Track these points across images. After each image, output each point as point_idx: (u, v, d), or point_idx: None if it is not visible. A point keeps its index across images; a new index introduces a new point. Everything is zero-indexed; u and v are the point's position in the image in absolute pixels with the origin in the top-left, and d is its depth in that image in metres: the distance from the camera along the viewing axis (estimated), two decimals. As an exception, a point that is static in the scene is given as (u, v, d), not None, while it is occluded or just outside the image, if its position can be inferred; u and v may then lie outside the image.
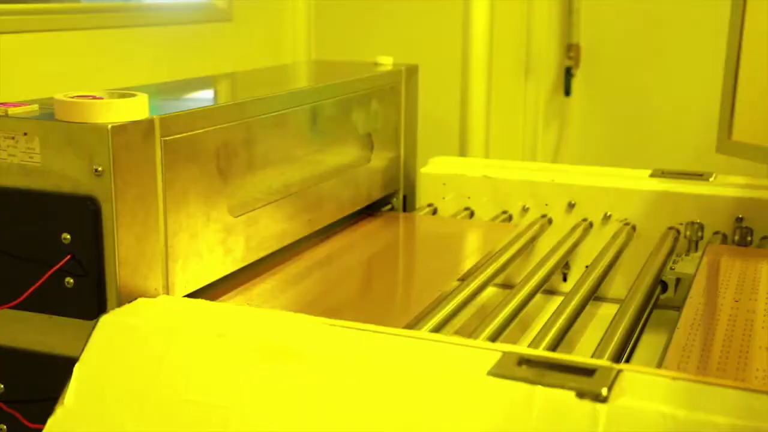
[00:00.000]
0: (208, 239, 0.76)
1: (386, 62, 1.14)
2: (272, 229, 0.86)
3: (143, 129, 0.67)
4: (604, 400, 0.50)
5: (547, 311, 0.94)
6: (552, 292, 1.07)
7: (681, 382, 0.52)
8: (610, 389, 0.50)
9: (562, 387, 0.51)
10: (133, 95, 0.68)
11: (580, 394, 0.50)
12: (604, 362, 0.54)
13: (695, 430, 0.47)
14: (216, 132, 0.76)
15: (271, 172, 0.87)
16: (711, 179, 1.05)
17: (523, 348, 0.57)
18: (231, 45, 1.66)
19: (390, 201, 1.16)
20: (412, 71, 1.14)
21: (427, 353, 0.58)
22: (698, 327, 0.72)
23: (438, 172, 1.15)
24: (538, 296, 0.92)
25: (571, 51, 1.74)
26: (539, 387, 0.51)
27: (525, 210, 1.11)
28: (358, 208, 1.05)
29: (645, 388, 0.51)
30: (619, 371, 0.53)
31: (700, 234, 1.00)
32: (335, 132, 0.99)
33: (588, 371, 0.53)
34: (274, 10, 1.79)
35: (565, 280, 1.09)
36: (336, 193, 0.99)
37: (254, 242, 0.83)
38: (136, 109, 0.67)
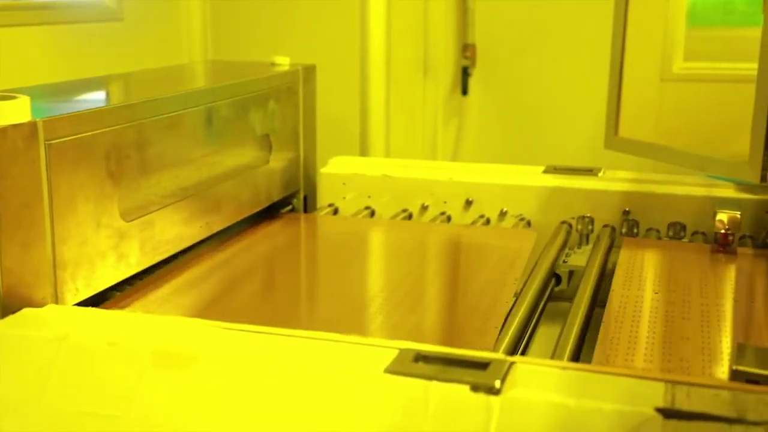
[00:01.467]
0: (99, 245, 0.74)
1: (283, 62, 1.13)
2: (168, 233, 0.85)
3: (25, 133, 0.64)
4: (497, 392, 0.51)
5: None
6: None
7: (571, 372, 0.53)
8: (503, 382, 0.52)
9: (457, 381, 0.52)
10: (14, 97, 0.65)
11: (475, 388, 0.51)
12: (497, 355, 0.55)
13: (583, 418, 0.48)
14: (105, 134, 0.74)
15: (166, 175, 0.85)
16: (600, 174, 1.09)
17: (419, 345, 0.58)
18: (123, 45, 1.61)
19: (290, 202, 1.15)
20: (309, 71, 1.14)
21: (324, 353, 0.58)
22: (622, 320, 0.75)
23: (338, 171, 1.16)
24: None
25: (467, 51, 1.77)
26: (435, 382, 0.52)
27: (424, 208, 1.12)
28: (258, 209, 1.05)
29: (536, 379, 0.53)
30: (512, 364, 0.54)
31: (590, 227, 1.04)
32: (232, 133, 0.97)
33: (482, 365, 0.54)
34: (167, 10, 1.76)
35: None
36: (234, 195, 0.98)
37: (149, 247, 0.81)
38: (17, 112, 0.64)
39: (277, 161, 1.07)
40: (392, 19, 1.53)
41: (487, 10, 1.80)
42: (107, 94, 0.97)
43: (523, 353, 0.76)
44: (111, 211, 0.75)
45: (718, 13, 1.71)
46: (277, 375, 0.55)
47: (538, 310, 0.86)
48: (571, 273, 0.97)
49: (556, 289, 0.97)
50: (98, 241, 0.73)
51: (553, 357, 0.68)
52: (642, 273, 0.87)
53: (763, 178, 0.94)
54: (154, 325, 0.63)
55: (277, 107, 1.06)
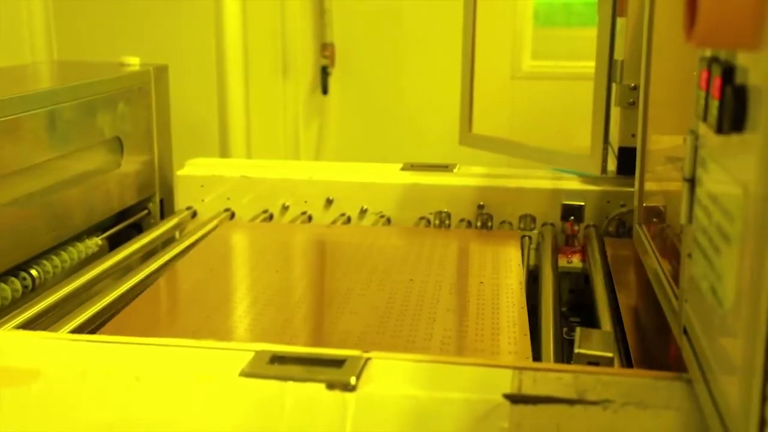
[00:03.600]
0: (-69, 259, 0.69)
1: (133, 62, 1.09)
2: (8, 243, 0.80)
3: None
4: (352, 389, 0.51)
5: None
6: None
7: (423, 365, 0.54)
8: (358, 378, 0.52)
9: (313, 380, 0.52)
10: None
11: (330, 386, 0.51)
12: (353, 352, 0.56)
13: (433, 408, 0.50)
14: (-66, 140, 0.69)
15: (6, 183, 0.80)
16: (455, 171, 1.12)
17: (276, 346, 0.57)
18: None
19: (146, 206, 1.12)
20: (161, 71, 1.11)
21: (178, 360, 0.57)
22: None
23: (195, 173, 1.13)
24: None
25: (325, 50, 1.78)
26: (290, 383, 0.52)
27: (285, 208, 1.12)
28: (110, 214, 1.01)
29: (391, 374, 0.53)
30: (368, 359, 0.55)
31: (447, 222, 1.07)
32: (79, 136, 0.93)
33: (338, 362, 0.54)
34: (4, 8, 1.66)
35: (327, 274, 1.11)
36: (84, 201, 0.94)
37: (-11, 259, 0.77)
38: None
39: (130, 164, 1.04)
40: (248, 18, 1.52)
41: (344, 10, 1.81)
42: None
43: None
44: (-56, 222, 0.70)
45: (562, 14, 1.80)
46: (130, 384, 0.53)
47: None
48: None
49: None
50: (-70, 254, 0.69)
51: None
52: (477, 262, 0.91)
53: (603, 170, 1.00)
54: (-7, 341, 0.60)
55: (127, 109, 1.02)
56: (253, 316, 0.76)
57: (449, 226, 1.07)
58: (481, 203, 1.06)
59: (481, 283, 0.83)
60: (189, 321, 0.77)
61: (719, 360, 0.42)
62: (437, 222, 1.07)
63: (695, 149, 0.49)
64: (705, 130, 0.46)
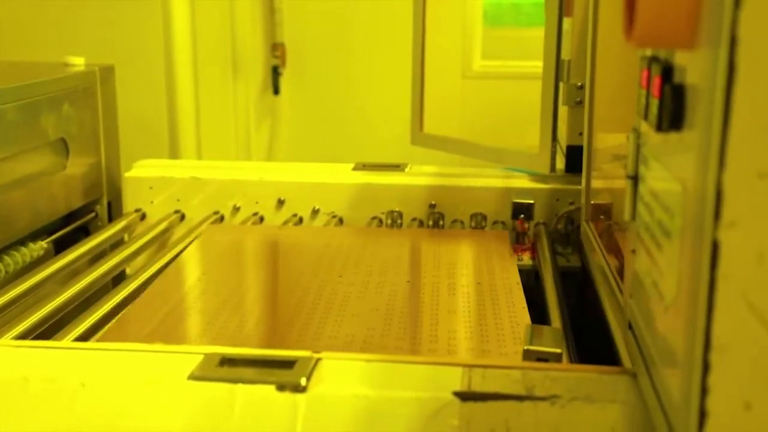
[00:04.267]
0: None
1: (78, 63, 1.07)
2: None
3: None
4: (303, 390, 0.51)
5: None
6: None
7: (374, 364, 0.54)
8: (309, 379, 0.52)
9: (263, 382, 0.52)
10: None
11: (281, 387, 0.51)
12: (304, 353, 0.56)
13: (385, 407, 0.50)
14: None
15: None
16: (407, 170, 1.12)
17: (226, 348, 0.57)
18: None
19: (93, 209, 1.10)
20: (107, 72, 1.09)
21: (125, 364, 0.56)
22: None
23: (144, 175, 1.11)
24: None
25: (276, 50, 1.77)
26: (240, 385, 0.51)
27: (236, 209, 1.11)
28: (56, 217, 0.99)
29: (342, 374, 0.53)
30: (318, 360, 0.55)
31: (399, 221, 1.07)
32: (22, 138, 0.91)
33: (289, 363, 0.54)
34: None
35: (280, 275, 1.11)
36: (28, 204, 0.92)
37: (-72, 265, 0.75)
38: None
39: (76, 166, 1.02)
40: (197, 17, 1.50)
41: (294, 10, 1.80)
42: None
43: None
44: None
45: (510, 14, 1.81)
46: (75, 390, 0.52)
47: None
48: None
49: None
50: None
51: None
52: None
53: (552, 168, 1.01)
54: (-68, 349, 0.58)
55: (72, 110, 1.00)
56: (255, 321, 0.75)
57: (401, 225, 1.07)
58: (433, 202, 1.07)
59: (479, 283, 0.83)
60: (190, 327, 0.75)
61: (662, 354, 0.43)
62: (389, 221, 1.07)
63: (637, 147, 0.50)
64: (646, 128, 0.47)
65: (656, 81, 0.42)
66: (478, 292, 0.81)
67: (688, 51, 0.37)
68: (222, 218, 1.11)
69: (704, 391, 0.35)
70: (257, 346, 0.70)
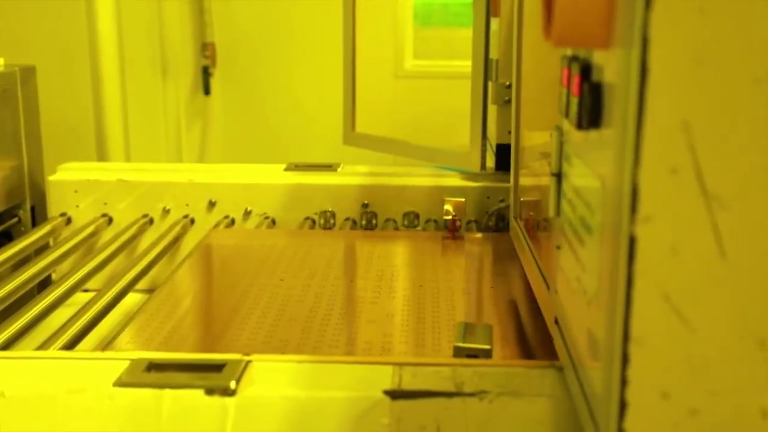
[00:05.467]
0: None
1: (-3, 63, 1.04)
2: None
3: None
4: (232, 393, 0.50)
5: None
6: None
7: (305, 365, 0.54)
8: (238, 382, 0.51)
9: (191, 387, 0.51)
10: None
11: (209, 391, 0.51)
12: (233, 356, 0.55)
13: (315, 408, 0.50)
14: None
15: None
16: (339, 170, 1.12)
17: (153, 353, 0.56)
18: None
19: (16, 214, 1.06)
20: (28, 72, 1.06)
21: (48, 372, 0.54)
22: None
23: (69, 178, 1.09)
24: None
25: (206, 50, 1.75)
26: (168, 390, 0.51)
27: (166, 212, 1.09)
28: (-24, 224, 0.96)
29: (272, 376, 0.53)
30: (249, 362, 0.54)
31: (332, 221, 1.07)
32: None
33: (218, 367, 0.53)
34: None
35: (212, 278, 1.09)
36: (-54, 210, 0.89)
37: None
38: None
39: (-3, 170, 0.99)
40: (122, 17, 1.47)
41: (224, 9, 1.78)
42: None
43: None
44: None
45: (441, 14, 1.83)
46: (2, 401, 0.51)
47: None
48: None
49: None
50: None
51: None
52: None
53: (482, 166, 1.03)
54: None
55: (-8, 112, 0.97)
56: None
57: (334, 225, 1.07)
58: (366, 202, 1.07)
59: (421, 286, 0.83)
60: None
61: (585, 347, 0.44)
62: (322, 222, 1.07)
63: (560, 145, 0.51)
64: (568, 126, 0.48)
65: (576, 80, 0.42)
66: (415, 293, 0.82)
67: (605, 51, 0.38)
68: (151, 221, 1.09)
69: (624, 382, 0.35)
70: (190, 350, 0.69)
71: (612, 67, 0.37)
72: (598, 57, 0.40)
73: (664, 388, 0.35)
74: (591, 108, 0.40)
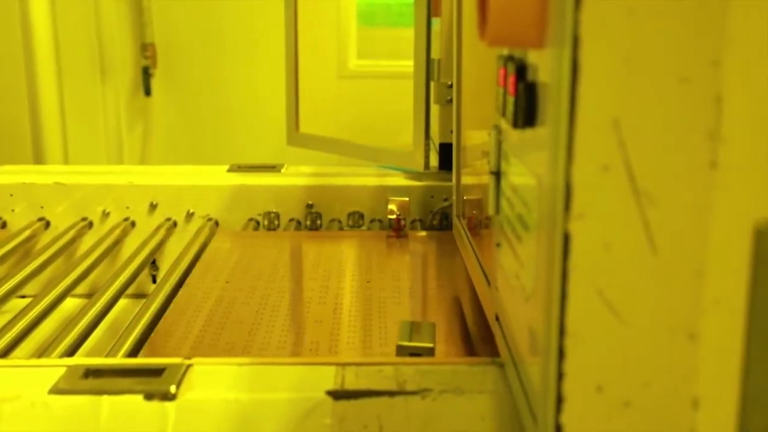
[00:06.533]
0: None
1: (-73, 63, 1.01)
2: None
3: None
4: (172, 397, 0.50)
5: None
6: (143, 295, 1.05)
7: (246, 367, 0.54)
8: (178, 386, 0.51)
9: (130, 392, 0.50)
10: None
11: (149, 396, 0.50)
12: (174, 360, 0.54)
13: (257, 410, 0.49)
14: None
15: None
16: (282, 170, 1.12)
17: (89, 359, 0.55)
18: None
19: (-51, 218, 1.03)
20: (-40, 73, 1.03)
21: (-20, 382, 0.53)
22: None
23: (4, 182, 1.06)
24: (127, 301, 0.90)
25: (146, 50, 1.72)
26: (105, 396, 0.50)
27: (106, 215, 1.07)
28: None
29: (213, 379, 0.52)
30: (189, 366, 0.53)
31: (277, 222, 1.06)
32: None
33: (157, 371, 0.53)
34: None
35: (154, 281, 1.08)
36: None
37: None
38: None
39: (-73, 174, 0.96)
40: (58, 16, 1.43)
41: (164, 9, 1.75)
42: None
43: (211, 354, 0.76)
44: None
45: (384, 14, 1.84)
46: None
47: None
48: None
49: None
50: None
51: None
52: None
53: (426, 166, 1.03)
54: None
55: None
56: (213, 331, 0.72)
57: (278, 226, 1.06)
58: (310, 202, 1.06)
59: (368, 281, 0.83)
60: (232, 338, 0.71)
61: (525, 343, 0.44)
62: (266, 223, 1.06)
63: (499, 144, 0.51)
64: (506, 126, 0.48)
65: (511, 79, 0.43)
66: (361, 293, 0.82)
67: (539, 50, 0.39)
68: (91, 225, 1.07)
69: (560, 376, 0.36)
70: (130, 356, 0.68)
71: (545, 66, 0.38)
72: (533, 57, 0.41)
73: (598, 381, 0.36)
74: (526, 107, 0.40)
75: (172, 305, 0.77)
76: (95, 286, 0.98)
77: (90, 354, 0.75)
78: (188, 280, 0.84)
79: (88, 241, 1.04)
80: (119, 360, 0.55)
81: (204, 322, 0.73)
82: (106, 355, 0.66)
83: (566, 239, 0.35)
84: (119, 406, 0.49)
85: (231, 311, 0.76)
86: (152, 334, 0.70)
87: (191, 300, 0.78)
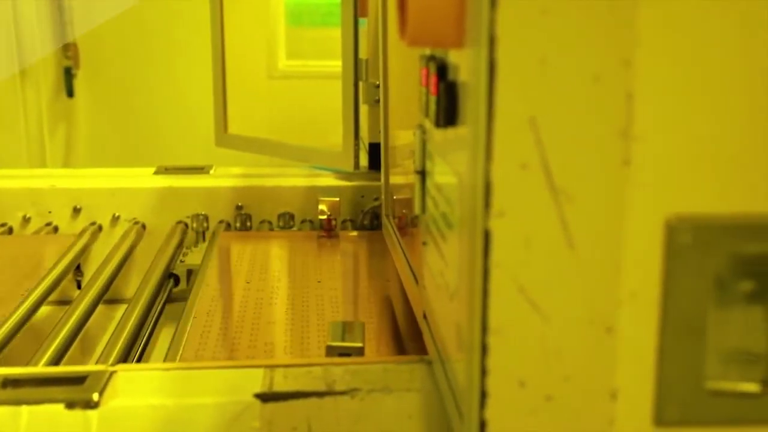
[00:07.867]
0: None
1: None
2: None
3: None
4: (95, 405, 0.49)
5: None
6: (67, 301, 1.02)
7: (173, 372, 0.53)
8: (101, 394, 0.50)
9: (50, 401, 0.49)
10: None
11: (70, 405, 0.49)
12: (96, 367, 0.53)
13: (183, 415, 0.48)
14: None
15: None
16: (211, 172, 1.10)
17: (7, 369, 0.53)
18: None
19: None
20: None
21: None
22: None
23: None
24: (49, 308, 0.87)
25: (68, 50, 1.67)
26: (25, 407, 0.48)
27: (27, 220, 1.04)
28: None
29: (138, 386, 0.51)
30: (113, 373, 0.52)
31: (206, 225, 1.05)
32: None
33: (79, 380, 0.51)
34: None
35: (79, 287, 1.05)
36: None
37: None
38: None
39: None
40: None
41: (86, 7, 1.71)
42: None
43: (139, 360, 0.74)
44: None
45: (312, 14, 1.83)
46: None
47: (155, 314, 0.84)
48: (189, 272, 0.97)
49: (175, 289, 0.96)
50: None
51: (166, 359, 0.67)
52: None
53: (356, 166, 1.03)
54: None
55: None
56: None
57: (207, 228, 1.05)
58: (240, 204, 1.05)
59: (319, 281, 0.82)
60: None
61: (451, 341, 0.45)
62: (195, 225, 1.05)
63: (423, 143, 0.52)
64: (429, 125, 0.49)
65: (433, 79, 0.43)
66: (293, 293, 0.81)
67: (458, 50, 0.39)
68: (11, 230, 1.03)
69: (484, 372, 0.36)
70: (66, 362, 0.66)
71: (465, 66, 0.38)
72: (453, 56, 0.41)
73: (521, 376, 0.36)
74: (447, 107, 0.41)
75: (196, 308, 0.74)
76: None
77: (9, 364, 0.73)
78: (207, 281, 0.82)
79: (7, 247, 1.00)
80: (39, 369, 0.54)
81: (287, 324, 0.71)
82: (27, 364, 0.64)
83: (487, 237, 0.35)
84: (40, 416, 0.48)
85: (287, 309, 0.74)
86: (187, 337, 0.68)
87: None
